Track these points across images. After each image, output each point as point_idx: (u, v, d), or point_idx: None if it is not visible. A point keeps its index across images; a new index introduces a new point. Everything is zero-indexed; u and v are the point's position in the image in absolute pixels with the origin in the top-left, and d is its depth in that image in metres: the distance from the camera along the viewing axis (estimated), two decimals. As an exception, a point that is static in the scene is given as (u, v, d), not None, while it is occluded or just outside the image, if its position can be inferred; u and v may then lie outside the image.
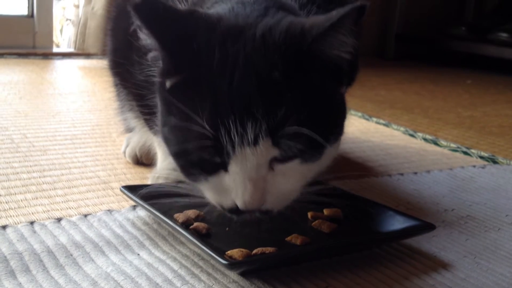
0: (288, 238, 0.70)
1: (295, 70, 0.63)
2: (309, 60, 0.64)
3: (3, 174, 0.95)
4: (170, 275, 0.66)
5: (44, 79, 1.84)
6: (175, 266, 0.68)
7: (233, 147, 0.62)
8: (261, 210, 0.66)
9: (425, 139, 1.36)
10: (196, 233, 0.69)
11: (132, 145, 1.05)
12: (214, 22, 0.66)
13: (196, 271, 0.67)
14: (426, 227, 0.76)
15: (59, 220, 0.79)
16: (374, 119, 1.54)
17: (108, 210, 0.82)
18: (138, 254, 0.71)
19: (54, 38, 2.41)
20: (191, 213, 0.73)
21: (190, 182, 0.70)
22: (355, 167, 1.11)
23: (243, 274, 0.66)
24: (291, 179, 0.67)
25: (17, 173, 0.96)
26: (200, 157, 0.64)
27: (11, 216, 0.80)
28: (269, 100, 0.61)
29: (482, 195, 0.99)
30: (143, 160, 1.04)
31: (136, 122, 1.00)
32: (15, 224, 0.77)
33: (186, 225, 0.71)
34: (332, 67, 0.66)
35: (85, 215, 0.80)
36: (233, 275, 0.66)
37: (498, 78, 2.49)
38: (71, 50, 2.33)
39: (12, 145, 1.10)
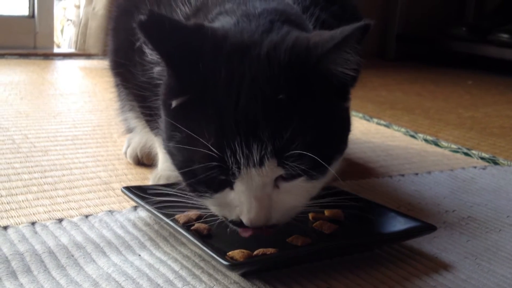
0: (289, 239, 0.70)
1: (300, 91, 0.63)
2: (314, 79, 0.64)
3: (4, 175, 0.95)
4: (171, 276, 0.66)
5: (45, 80, 1.84)
6: (176, 267, 0.68)
7: (239, 168, 0.62)
8: (266, 226, 0.66)
9: (426, 140, 1.36)
10: (197, 234, 0.69)
11: (133, 146, 1.05)
12: (220, 39, 0.66)
13: (197, 272, 0.67)
14: (427, 228, 0.76)
15: (60, 220, 0.79)
16: (375, 120, 1.54)
17: (109, 211, 0.82)
18: (139, 255, 0.71)
19: (55, 39, 2.41)
20: (192, 214, 0.73)
21: (195, 197, 0.70)
22: (356, 168, 1.11)
23: (244, 275, 0.66)
24: (296, 196, 0.67)
25: (18, 173, 0.96)
26: (206, 176, 0.64)
27: (12, 216, 0.80)
28: (275, 122, 0.61)
29: (483, 196, 0.99)
30: (144, 160, 1.04)
31: (136, 122, 1.00)
32: (17, 224, 0.77)
33: (187, 226, 0.71)
34: (337, 84, 0.66)
35: (86, 216, 0.80)
36: (234, 276, 0.66)
37: (499, 79, 2.48)
38: (72, 50, 2.33)
39: (13, 146, 1.10)
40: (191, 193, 0.70)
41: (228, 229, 0.71)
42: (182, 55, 0.64)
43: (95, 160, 1.06)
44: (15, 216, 0.80)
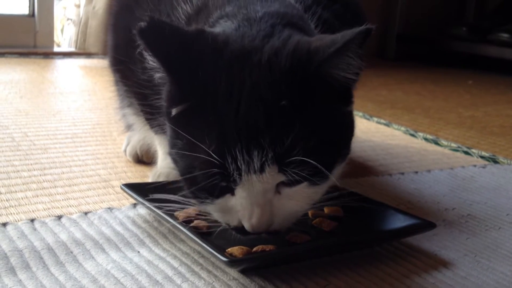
0: (288, 236, 0.70)
1: (301, 97, 0.62)
2: (315, 84, 0.63)
3: (4, 172, 0.95)
4: (170, 273, 0.66)
5: (45, 78, 1.84)
6: (176, 264, 0.68)
7: (240, 174, 0.62)
8: (268, 231, 0.66)
9: (426, 139, 1.36)
10: (197, 231, 0.69)
11: (133, 144, 1.05)
12: (220, 45, 0.65)
13: (197, 269, 0.67)
14: (426, 225, 0.76)
15: (59, 217, 0.79)
16: (375, 119, 1.54)
17: (109, 208, 0.82)
18: (139, 252, 0.71)
19: (55, 38, 2.41)
20: (191, 210, 0.73)
21: (197, 203, 0.70)
22: (355, 167, 1.11)
23: (243, 272, 0.66)
24: (298, 201, 0.67)
25: (18, 171, 0.96)
26: (207, 182, 0.64)
27: (11, 213, 0.80)
28: (276, 128, 0.61)
29: (483, 194, 0.99)
30: (144, 158, 1.04)
31: (134, 119, 1.00)
32: (16, 221, 0.77)
33: (186, 222, 0.71)
34: (339, 88, 0.65)
35: (86, 213, 0.80)
36: (233, 272, 0.66)
37: (499, 79, 2.48)
38: (72, 49, 2.33)
39: (13, 144, 1.10)
40: (192, 200, 0.70)
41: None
42: (182, 61, 0.64)
43: (95, 158, 1.06)
44: (14, 213, 0.80)
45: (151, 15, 0.69)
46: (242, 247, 0.65)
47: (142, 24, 0.63)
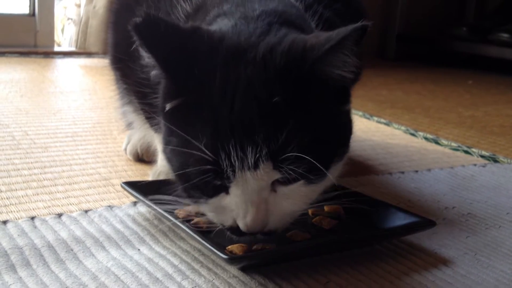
0: (289, 234, 0.70)
1: (296, 94, 0.62)
2: (311, 82, 0.63)
3: (4, 171, 0.95)
4: (170, 270, 0.66)
5: (45, 78, 1.84)
6: (176, 261, 0.68)
7: (234, 171, 0.61)
8: (263, 231, 0.65)
9: (426, 138, 1.36)
10: (197, 229, 0.69)
11: (133, 142, 1.05)
12: (216, 42, 0.65)
13: (197, 266, 0.67)
14: (426, 223, 0.76)
15: (59, 215, 0.79)
16: (375, 118, 1.54)
17: (109, 206, 0.82)
18: (139, 249, 0.71)
19: (56, 37, 2.41)
20: (191, 208, 0.73)
21: (191, 202, 0.69)
22: (355, 166, 1.11)
23: (243, 269, 0.66)
24: (294, 200, 0.66)
25: (18, 169, 0.96)
26: (201, 180, 0.63)
27: (12, 211, 0.80)
28: (270, 124, 0.61)
29: (483, 193, 0.99)
30: (144, 157, 1.04)
31: (134, 116, 1.00)
32: (16, 219, 0.77)
33: (186, 220, 0.71)
34: (335, 86, 0.65)
35: (86, 211, 0.80)
36: (233, 270, 0.66)
37: (499, 79, 2.49)
38: (73, 49, 2.34)
39: (13, 142, 1.10)
40: (187, 199, 0.69)
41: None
42: (177, 58, 0.64)
43: (95, 156, 1.06)
44: (14, 211, 0.80)
45: (147, 11, 0.69)
46: (242, 244, 0.66)
47: (138, 20, 0.62)
